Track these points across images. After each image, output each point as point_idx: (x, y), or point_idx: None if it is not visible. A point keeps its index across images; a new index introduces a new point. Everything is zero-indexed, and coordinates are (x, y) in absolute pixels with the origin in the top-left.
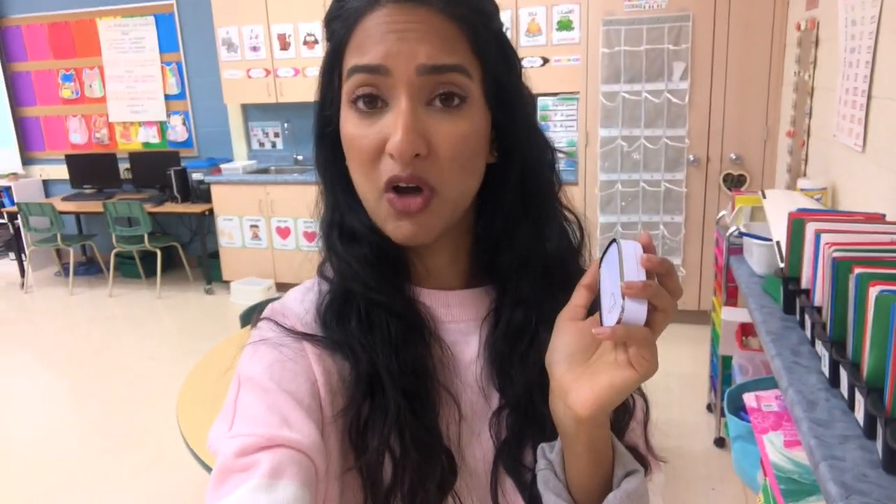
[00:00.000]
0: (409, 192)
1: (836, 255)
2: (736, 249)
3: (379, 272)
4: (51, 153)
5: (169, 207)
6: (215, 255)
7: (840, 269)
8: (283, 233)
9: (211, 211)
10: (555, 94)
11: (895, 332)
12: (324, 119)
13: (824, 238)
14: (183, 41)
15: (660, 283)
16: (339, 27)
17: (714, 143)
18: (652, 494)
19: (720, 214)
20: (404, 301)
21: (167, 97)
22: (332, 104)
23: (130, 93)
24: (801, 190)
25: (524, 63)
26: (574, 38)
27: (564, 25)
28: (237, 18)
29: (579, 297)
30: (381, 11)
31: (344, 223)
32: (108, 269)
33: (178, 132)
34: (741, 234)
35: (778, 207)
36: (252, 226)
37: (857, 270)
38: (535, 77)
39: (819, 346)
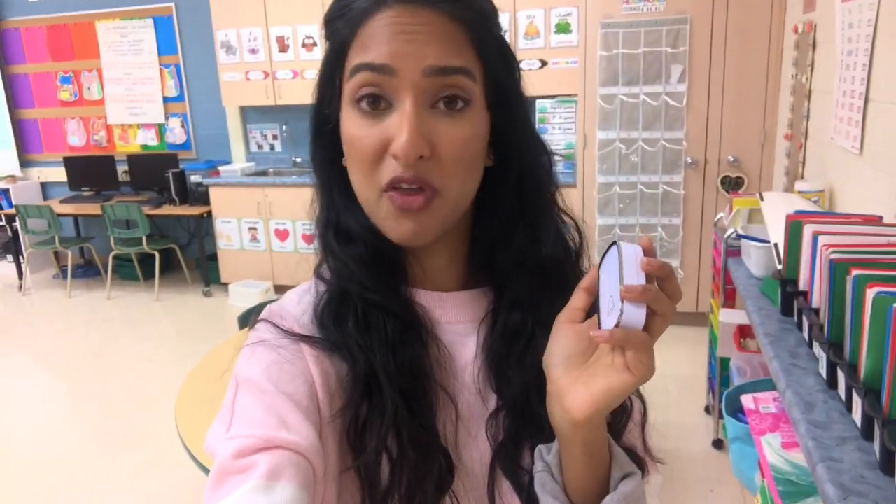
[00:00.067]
0: (412, 191)
1: (833, 256)
2: (734, 251)
3: (375, 273)
4: (49, 155)
5: (167, 210)
6: (213, 258)
7: (837, 270)
8: (282, 235)
9: (209, 213)
10: (553, 97)
11: (892, 333)
12: (322, 118)
13: (822, 240)
14: (182, 44)
15: (659, 287)
16: (343, 26)
17: (712, 145)
18: (649, 496)
19: (718, 216)
20: (401, 301)
21: (166, 99)
22: (332, 103)
23: (129, 95)
24: (799, 192)
25: (522, 66)
26: (572, 41)
27: (563, 28)
28: (236, 21)
29: (578, 300)
30: (388, 12)
31: (340, 223)
32: (106, 272)
33: (176, 134)
34: (739, 237)
35: (775, 209)
36: (250, 228)
37: (855, 272)
38: (533, 80)
39: (817, 348)
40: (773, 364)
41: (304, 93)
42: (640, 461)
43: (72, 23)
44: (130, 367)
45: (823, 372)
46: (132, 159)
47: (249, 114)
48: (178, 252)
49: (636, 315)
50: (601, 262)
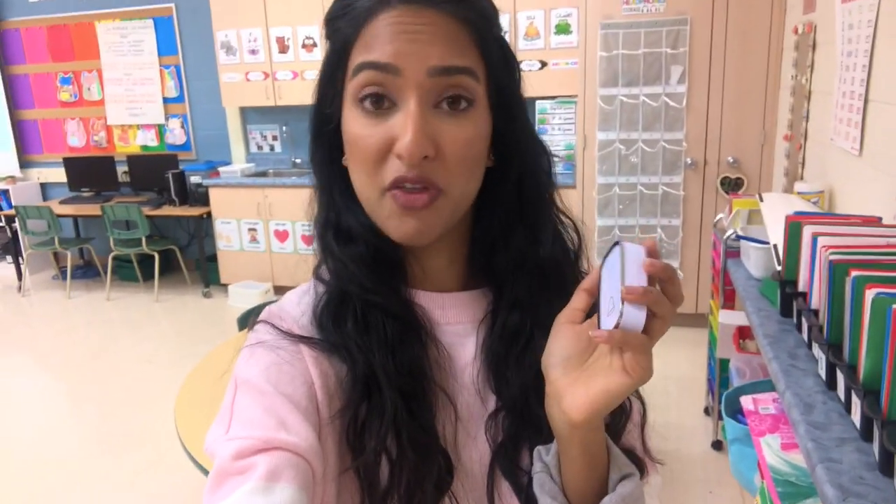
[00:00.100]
0: (415, 190)
1: (832, 257)
2: (733, 252)
3: (375, 273)
4: (49, 156)
5: (167, 210)
6: (213, 259)
7: (837, 271)
8: (282, 236)
9: (209, 214)
10: (553, 98)
11: (892, 334)
12: (323, 118)
13: (821, 241)
14: (182, 44)
15: (661, 290)
16: (345, 25)
17: (711, 146)
18: (648, 497)
19: (717, 217)
20: (401, 302)
21: (166, 100)
22: (333, 103)
23: (129, 96)
24: (799, 193)
25: (522, 66)
26: (572, 42)
27: (563, 29)
28: (236, 22)
29: (578, 301)
30: (392, 12)
31: (340, 223)
32: (105, 273)
33: (176, 135)
34: (738, 238)
35: (775, 210)
36: (250, 229)
37: (854, 273)
38: (533, 80)
39: (816, 349)
40: (773, 365)
41: (304, 93)
42: (640, 462)
43: (72, 23)
44: (130, 367)
45: (823, 373)
46: (132, 160)
47: (249, 114)
48: (178, 253)
49: (636, 316)
50: (603, 261)
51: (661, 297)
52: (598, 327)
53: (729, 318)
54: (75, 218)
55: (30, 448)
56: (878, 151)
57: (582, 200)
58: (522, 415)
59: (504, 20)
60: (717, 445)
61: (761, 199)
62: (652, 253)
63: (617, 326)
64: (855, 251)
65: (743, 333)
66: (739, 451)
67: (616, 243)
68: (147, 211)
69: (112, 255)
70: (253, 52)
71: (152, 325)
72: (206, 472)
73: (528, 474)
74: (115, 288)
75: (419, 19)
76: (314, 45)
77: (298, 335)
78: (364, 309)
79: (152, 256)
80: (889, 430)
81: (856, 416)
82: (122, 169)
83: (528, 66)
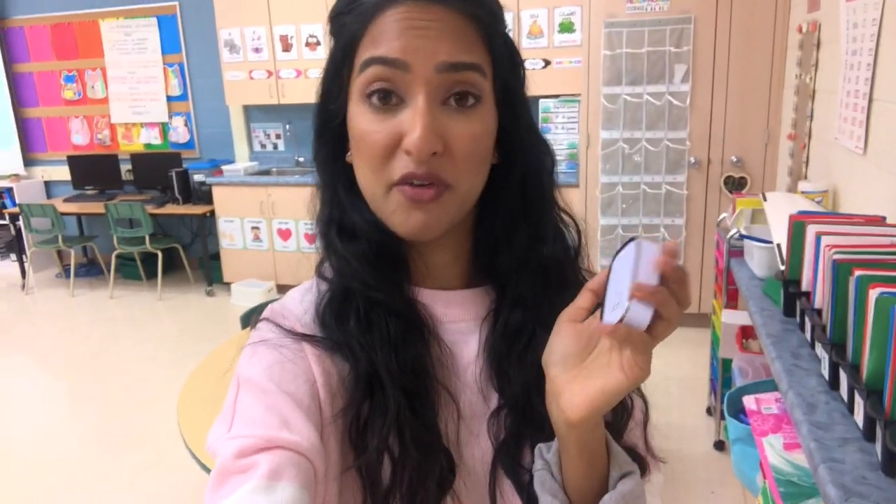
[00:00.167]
0: (423, 185)
1: (836, 257)
2: (736, 252)
3: (378, 270)
4: (53, 154)
5: (170, 209)
6: (216, 257)
7: (840, 271)
8: (285, 234)
9: (212, 212)
10: (556, 97)
11: (895, 334)
12: (328, 114)
13: (825, 240)
14: (185, 42)
15: (670, 291)
16: (352, 21)
17: (715, 145)
18: (650, 495)
19: (721, 217)
20: (403, 300)
21: (169, 98)
22: (339, 99)
23: (133, 94)
24: (802, 192)
25: (526, 65)
26: (576, 40)
27: (566, 27)
28: (239, 20)
29: (583, 300)
30: (399, 7)
31: (344, 220)
32: (109, 271)
33: (179, 133)
34: (742, 237)
35: (779, 210)
36: (253, 227)
37: (858, 273)
38: (536, 79)
39: (819, 349)
40: (776, 365)
41: (307, 92)
42: (641, 460)
43: (76, 21)
44: (132, 366)
45: (826, 373)
46: (136, 158)
47: (253, 113)
48: (181, 251)
49: (642, 314)
50: (615, 256)
51: (670, 298)
52: (602, 320)
53: (732, 318)
54: (79, 216)
55: (31, 447)
56: (882, 151)
57: (585, 199)
58: (524, 413)
59: (507, 18)
60: (720, 445)
61: (765, 199)
62: (671, 255)
63: (621, 321)
64: (859, 251)
65: (746, 333)
66: (742, 451)
67: (632, 239)
68: (150, 209)
69: (115, 253)
70: (256, 50)
71: (155, 323)
72: (208, 471)
73: (529, 472)
74: (118, 286)
75: (427, 15)
76: (318, 43)
77: (301, 333)
78: (367, 307)
79: (155, 255)
80: (892, 431)
81: (859, 417)
82: (125, 167)
83: (531, 64)
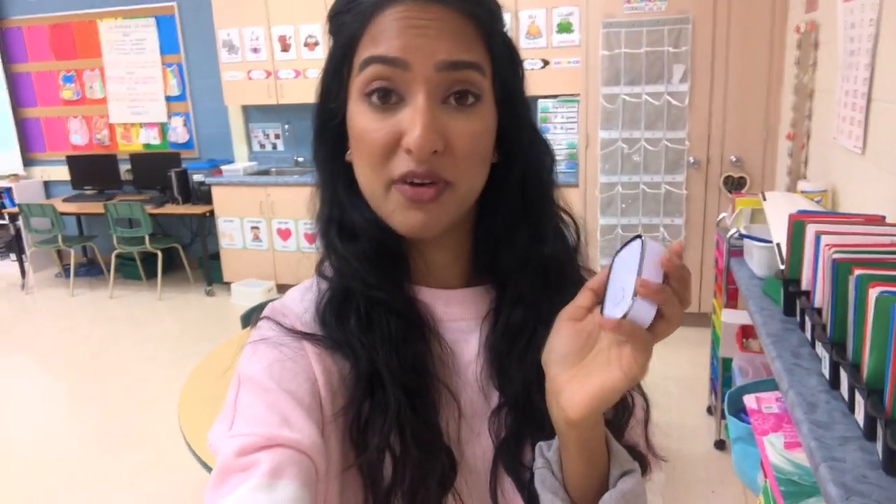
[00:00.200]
0: (423, 184)
1: (836, 256)
2: (736, 251)
3: (379, 269)
4: (52, 154)
5: (170, 209)
6: (216, 257)
7: (840, 270)
8: (284, 234)
9: (212, 212)
10: (555, 97)
11: (895, 333)
12: (327, 113)
13: (824, 240)
14: (184, 43)
15: (672, 290)
16: (351, 20)
17: (714, 145)
18: (651, 494)
19: (720, 216)
20: (404, 298)
21: (168, 98)
22: (338, 97)
23: (131, 94)
24: (802, 192)
25: (525, 65)
26: (574, 41)
27: (564, 28)
28: (238, 20)
29: (583, 299)
30: (399, 7)
31: (344, 219)
32: (108, 271)
33: (178, 133)
34: (741, 236)
35: (778, 209)
36: (253, 227)
37: (857, 272)
38: (535, 79)
39: (819, 348)
40: (776, 364)
41: (306, 92)
42: (642, 458)
43: (74, 21)
44: (132, 366)
45: (826, 372)
46: (135, 158)
47: (252, 113)
48: (181, 251)
49: (646, 311)
50: (617, 253)
51: (674, 297)
52: (602, 315)
53: (732, 318)
54: (78, 216)
55: (31, 447)
56: (881, 150)
57: (584, 199)
58: (525, 411)
59: (505, 19)
60: (720, 445)
61: (764, 198)
62: (676, 255)
63: (624, 318)
64: (858, 250)
65: (746, 332)
66: (742, 450)
67: (638, 236)
68: (150, 209)
69: (115, 253)
70: (255, 50)
71: (155, 323)
72: (209, 470)
73: (530, 470)
74: (118, 286)
75: (427, 14)
76: (316, 43)
77: (301, 332)
78: (367, 306)
79: (155, 254)
80: (893, 429)
81: (859, 415)
82: (124, 167)
83: (530, 64)
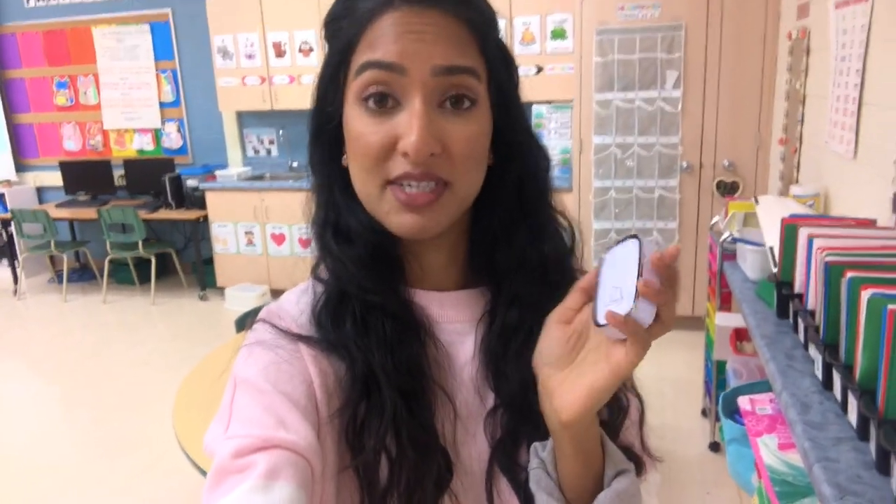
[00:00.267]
0: (421, 190)
1: (828, 259)
2: (729, 255)
3: (374, 272)
4: (45, 160)
5: (163, 214)
6: (210, 262)
7: (832, 273)
8: (278, 239)
9: (205, 217)
10: (549, 102)
11: (887, 334)
12: (324, 117)
13: (817, 243)
14: (178, 49)
15: None
16: (348, 25)
17: (707, 150)
18: (647, 494)
19: (713, 220)
20: (399, 301)
21: (162, 104)
22: (335, 102)
23: (125, 100)
24: (794, 196)
25: (519, 71)
26: (568, 47)
27: (558, 34)
28: (232, 26)
29: (571, 301)
30: (396, 12)
31: (339, 222)
32: (101, 276)
33: (172, 139)
34: (734, 240)
35: (771, 213)
36: (247, 232)
37: (850, 274)
38: (529, 85)
39: (812, 350)
40: (770, 366)
41: (300, 98)
42: (637, 459)
43: (68, 28)
44: (126, 371)
45: (819, 373)
46: (128, 164)
47: (246, 119)
48: (175, 256)
49: (648, 312)
50: (610, 249)
51: (672, 300)
52: (595, 315)
53: (725, 321)
54: (71, 221)
55: (24, 452)
56: (872, 154)
57: (578, 204)
58: (521, 411)
59: (500, 25)
60: (715, 447)
61: (757, 202)
62: (671, 258)
63: (627, 317)
64: (850, 253)
65: (740, 335)
66: (737, 452)
67: (634, 236)
68: (143, 214)
69: (108, 258)
70: (249, 56)
71: (148, 328)
72: (204, 474)
73: (526, 471)
74: (111, 291)
75: (423, 19)
76: (311, 49)
77: (297, 334)
78: (363, 309)
79: (149, 260)
80: (885, 429)
81: (852, 416)
82: (118, 173)
83: (524, 70)
